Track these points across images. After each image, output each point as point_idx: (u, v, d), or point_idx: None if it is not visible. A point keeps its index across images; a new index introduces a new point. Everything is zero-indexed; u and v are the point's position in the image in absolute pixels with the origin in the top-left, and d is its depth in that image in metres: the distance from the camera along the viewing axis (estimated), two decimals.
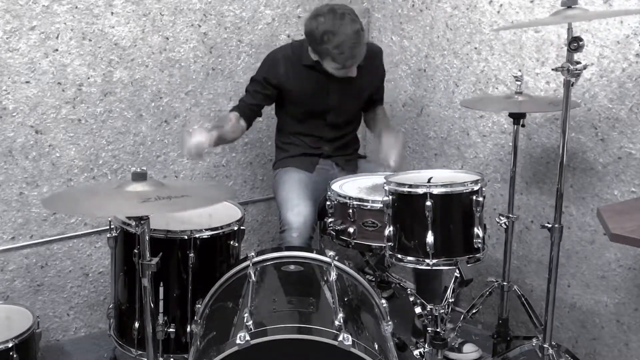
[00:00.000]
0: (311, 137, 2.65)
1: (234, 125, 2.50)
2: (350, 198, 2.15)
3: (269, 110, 2.98)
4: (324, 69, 2.46)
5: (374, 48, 2.73)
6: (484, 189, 1.99)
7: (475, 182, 1.97)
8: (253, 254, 1.93)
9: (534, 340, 2.18)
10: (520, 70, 2.33)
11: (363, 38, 2.36)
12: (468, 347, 2.56)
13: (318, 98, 2.57)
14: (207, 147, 2.28)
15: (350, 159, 2.71)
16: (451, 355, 2.53)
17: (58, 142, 2.55)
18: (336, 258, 1.93)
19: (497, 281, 2.48)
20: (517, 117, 2.29)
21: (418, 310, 2.04)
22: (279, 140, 2.75)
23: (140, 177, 1.66)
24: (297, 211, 2.35)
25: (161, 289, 2.00)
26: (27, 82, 2.45)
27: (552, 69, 2.06)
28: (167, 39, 2.71)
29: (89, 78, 2.56)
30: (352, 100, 2.64)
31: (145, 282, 1.68)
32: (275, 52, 2.60)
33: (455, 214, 1.98)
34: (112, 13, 2.56)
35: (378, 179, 2.32)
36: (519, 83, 2.27)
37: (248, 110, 2.55)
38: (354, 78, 2.53)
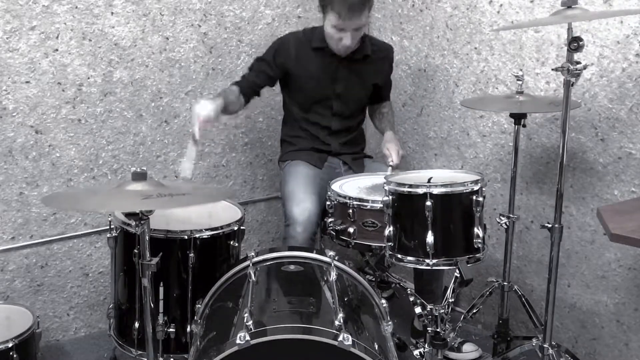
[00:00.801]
0: (318, 128, 2.65)
1: (237, 96, 2.53)
2: (350, 198, 2.15)
3: (269, 110, 2.99)
4: (332, 52, 2.53)
5: (385, 44, 2.79)
6: (484, 189, 1.99)
7: (475, 182, 1.97)
8: (253, 254, 1.93)
9: (534, 340, 2.18)
10: (521, 70, 2.33)
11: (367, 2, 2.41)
12: (468, 347, 2.56)
13: (325, 83, 2.60)
14: (214, 115, 2.27)
15: (357, 158, 2.72)
16: (451, 355, 2.53)
17: (58, 142, 2.55)
18: (336, 258, 1.93)
19: (497, 281, 2.48)
20: (518, 117, 2.29)
21: (418, 310, 2.04)
22: (285, 134, 2.76)
23: (140, 177, 1.66)
24: (302, 206, 2.36)
25: (161, 289, 2.00)
26: (27, 82, 2.45)
27: (552, 69, 2.07)
28: (167, 39, 2.71)
29: (89, 78, 2.56)
30: (358, 88, 2.67)
31: (145, 282, 1.68)
32: (286, 35, 2.67)
33: (455, 214, 1.98)
34: (112, 13, 2.56)
35: (378, 179, 2.32)
36: (520, 82, 2.27)
37: (248, 88, 2.58)
38: (361, 66, 2.61)
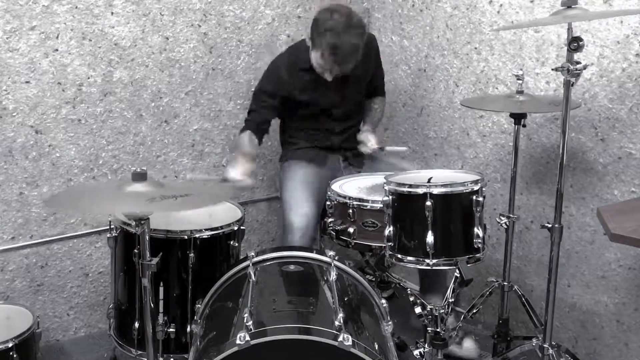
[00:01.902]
0: (319, 131, 2.67)
1: (253, 143, 2.54)
2: (350, 198, 2.15)
3: None
4: None
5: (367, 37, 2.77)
6: (484, 189, 1.99)
7: (475, 182, 1.97)
8: (253, 254, 1.93)
9: (534, 340, 2.18)
10: (521, 69, 2.32)
11: (356, 54, 2.38)
12: (467, 343, 2.54)
13: (321, 98, 2.60)
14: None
15: (358, 154, 2.72)
16: (450, 347, 2.51)
17: (58, 142, 2.55)
18: (336, 258, 1.93)
19: (497, 281, 2.48)
20: (518, 117, 2.29)
21: (418, 310, 2.04)
22: (284, 137, 2.77)
23: (140, 177, 1.66)
24: (300, 212, 2.36)
25: (161, 289, 2.00)
26: (27, 82, 2.45)
27: (552, 69, 2.07)
28: (167, 39, 2.71)
29: (89, 78, 2.56)
30: (353, 93, 2.68)
31: (145, 282, 1.68)
32: (274, 62, 2.65)
33: (455, 214, 1.98)
34: (112, 13, 2.56)
35: (378, 179, 2.32)
36: (520, 82, 2.27)
37: (259, 129, 2.57)
38: (352, 71, 2.57)
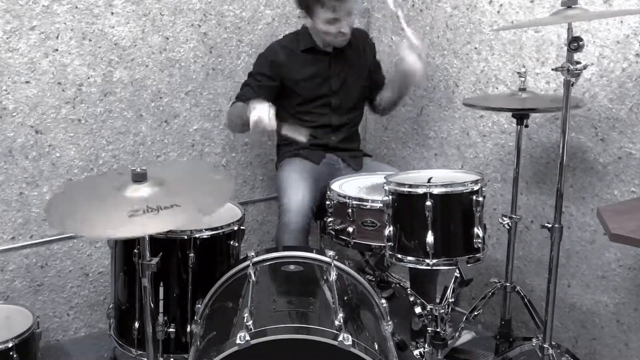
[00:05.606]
0: (317, 126, 2.65)
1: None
2: (349, 198, 2.15)
3: None
4: (321, 50, 2.58)
5: (358, 28, 2.84)
6: (484, 189, 1.99)
7: (475, 182, 1.97)
8: (253, 254, 1.93)
9: (534, 340, 2.18)
10: (524, 66, 2.32)
11: None
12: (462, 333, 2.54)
13: (320, 82, 2.61)
14: (269, 121, 2.24)
15: (356, 156, 2.73)
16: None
17: (58, 142, 2.55)
18: (336, 258, 1.93)
19: (499, 282, 2.48)
20: (521, 117, 2.29)
21: (418, 310, 2.04)
22: (280, 139, 2.76)
23: (140, 177, 1.66)
24: (296, 194, 2.39)
25: (161, 289, 2.00)
26: (27, 82, 2.45)
27: (552, 69, 2.06)
28: (167, 39, 2.71)
29: (89, 78, 2.56)
30: (354, 79, 2.69)
31: (145, 282, 1.68)
32: (271, 44, 2.67)
33: (455, 214, 1.97)
34: (112, 13, 2.56)
35: (378, 178, 2.32)
36: (522, 79, 2.27)
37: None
38: (349, 55, 2.64)
